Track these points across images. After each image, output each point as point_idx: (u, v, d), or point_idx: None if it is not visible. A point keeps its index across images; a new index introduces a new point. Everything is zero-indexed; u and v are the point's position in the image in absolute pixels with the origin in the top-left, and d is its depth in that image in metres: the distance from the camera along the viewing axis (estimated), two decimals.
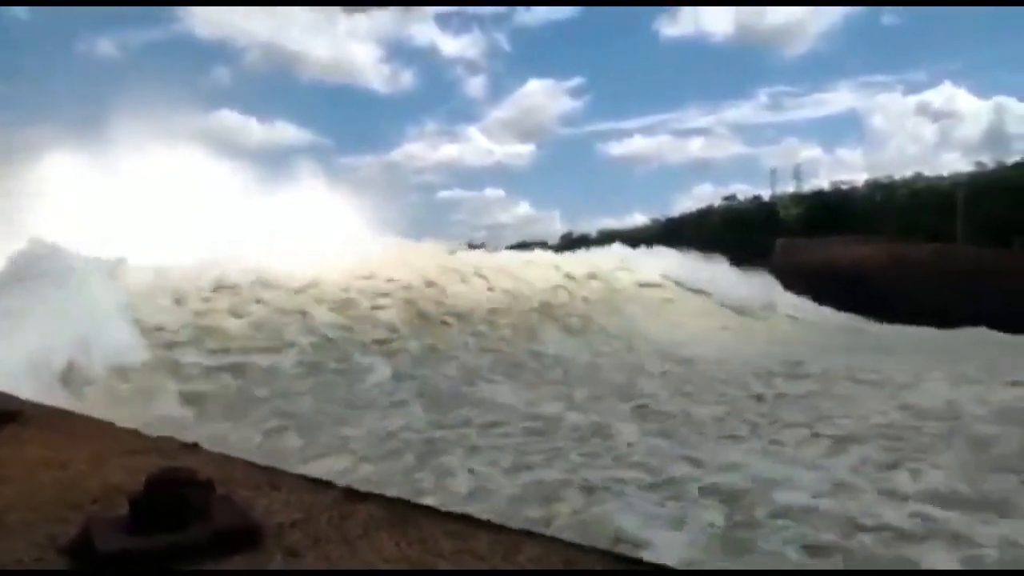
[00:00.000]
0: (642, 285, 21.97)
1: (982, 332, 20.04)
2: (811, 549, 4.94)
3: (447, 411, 9.50)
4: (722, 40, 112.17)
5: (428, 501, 3.73)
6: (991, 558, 4.78)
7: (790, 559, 4.82)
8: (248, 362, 11.21)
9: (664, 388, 11.31)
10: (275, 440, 8.12)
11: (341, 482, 2.02)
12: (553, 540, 1.55)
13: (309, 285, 14.85)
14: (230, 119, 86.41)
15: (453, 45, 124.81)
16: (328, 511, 1.71)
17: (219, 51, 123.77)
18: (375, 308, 15.02)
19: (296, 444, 7.91)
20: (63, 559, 1.46)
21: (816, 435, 8.08)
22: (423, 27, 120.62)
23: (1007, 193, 35.86)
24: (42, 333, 9.05)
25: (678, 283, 22.78)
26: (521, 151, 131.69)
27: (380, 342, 13.50)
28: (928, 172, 52.14)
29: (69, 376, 8.91)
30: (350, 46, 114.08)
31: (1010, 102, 74.06)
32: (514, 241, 58.00)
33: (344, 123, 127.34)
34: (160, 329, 11.41)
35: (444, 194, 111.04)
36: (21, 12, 71.01)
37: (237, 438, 7.91)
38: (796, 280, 25.60)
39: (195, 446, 2.52)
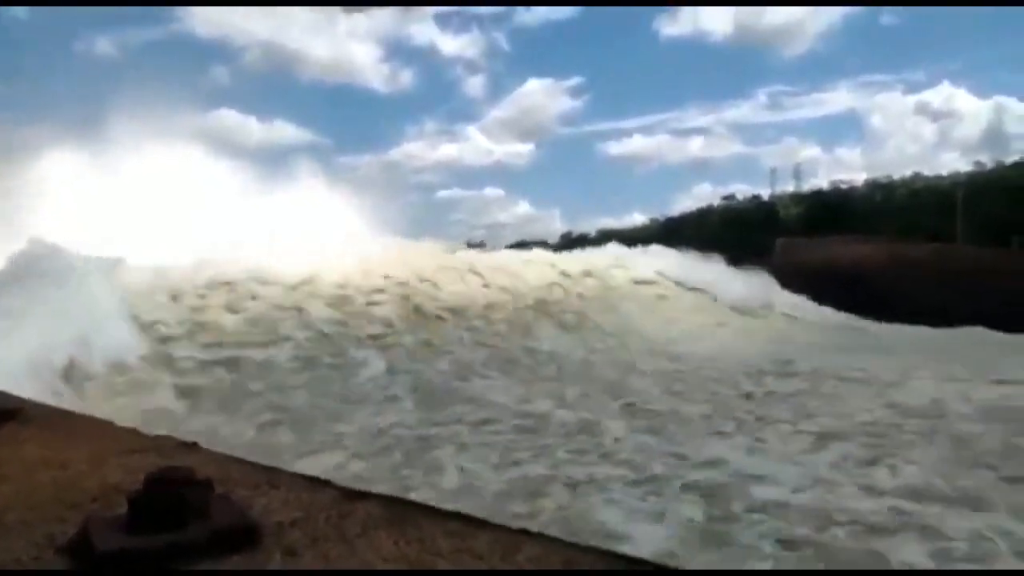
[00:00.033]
0: (637, 282, 22.01)
1: (980, 332, 20.07)
2: (785, 543, 5.06)
3: (439, 408, 9.62)
4: (721, 40, 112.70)
5: (416, 497, 3.83)
6: (960, 551, 4.90)
7: (764, 552, 4.95)
8: (243, 356, 11.29)
9: (655, 386, 11.42)
10: (268, 435, 8.24)
11: (332, 478, 2.05)
12: (552, 540, 1.54)
13: (305, 281, 14.93)
14: (229, 118, 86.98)
15: (452, 45, 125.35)
16: (327, 510, 1.72)
17: (218, 50, 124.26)
18: (371, 304, 15.12)
19: (289, 439, 8.03)
20: (62, 558, 1.46)
21: (799, 432, 8.20)
22: (422, 27, 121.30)
23: (1006, 193, 35.95)
24: (42, 332, 9.12)
25: (676, 282, 22.78)
26: (520, 151, 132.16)
27: (375, 337, 13.58)
28: (927, 172, 52.47)
29: (69, 374, 9.01)
30: (350, 46, 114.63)
31: (1009, 102, 74.51)
32: (513, 240, 58.19)
33: (343, 122, 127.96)
34: (157, 324, 11.52)
35: (443, 193, 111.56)
36: (21, 12, 71.38)
37: (230, 432, 8.04)
38: (796, 279, 25.54)
39: (194, 445, 2.52)
